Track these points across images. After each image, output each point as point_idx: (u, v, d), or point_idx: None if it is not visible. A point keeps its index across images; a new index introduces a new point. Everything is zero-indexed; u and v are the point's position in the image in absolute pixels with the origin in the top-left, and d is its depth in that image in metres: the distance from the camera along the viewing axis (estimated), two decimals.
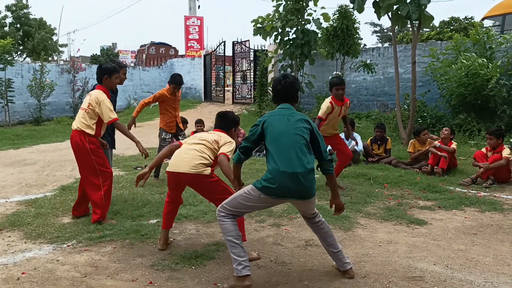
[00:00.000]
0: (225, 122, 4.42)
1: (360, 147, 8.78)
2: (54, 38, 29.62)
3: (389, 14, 9.63)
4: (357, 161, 8.64)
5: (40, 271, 3.78)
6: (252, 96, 19.68)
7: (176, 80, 7.21)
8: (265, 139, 3.56)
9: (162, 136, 7.33)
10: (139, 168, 8.01)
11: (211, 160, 4.09)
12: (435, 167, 7.56)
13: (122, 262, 3.99)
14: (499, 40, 10.54)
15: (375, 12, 9.67)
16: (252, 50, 19.58)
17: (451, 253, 4.22)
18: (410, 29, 10.20)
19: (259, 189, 3.42)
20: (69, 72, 18.98)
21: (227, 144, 4.13)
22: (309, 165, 3.44)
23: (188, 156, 4.07)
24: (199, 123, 9.39)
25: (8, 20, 28.04)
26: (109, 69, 5.12)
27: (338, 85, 6.49)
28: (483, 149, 7.49)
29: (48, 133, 14.31)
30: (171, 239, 4.47)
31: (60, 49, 31.51)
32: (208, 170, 4.03)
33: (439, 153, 7.61)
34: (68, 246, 4.34)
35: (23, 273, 3.72)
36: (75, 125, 4.99)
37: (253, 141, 3.64)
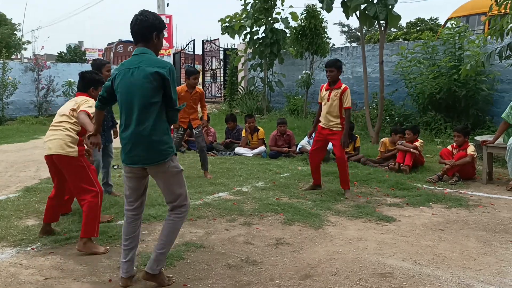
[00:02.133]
0: (84, 82, 4.50)
1: (329, 145, 8.85)
2: (18, 34, 28.79)
3: (357, 13, 9.73)
4: (326, 159, 8.70)
5: (2, 275, 3.64)
6: (222, 95, 19.60)
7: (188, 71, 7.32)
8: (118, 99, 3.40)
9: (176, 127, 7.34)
10: (115, 167, 7.77)
11: (76, 136, 4.21)
12: (402, 164, 7.67)
13: (88, 264, 3.88)
14: (472, 39, 10.74)
15: (343, 11, 9.76)
16: (222, 49, 19.51)
17: (419, 249, 4.29)
18: (378, 29, 10.33)
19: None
20: (33, 70, 18.45)
21: (83, 103, 4.23)
22: (147, 128, 3.21)
23: (54, 137, 4.21)
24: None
25: None
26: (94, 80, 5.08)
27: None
28: (449, 147, 7.65)
29: (11, 132, 13.87)
30: (56, 230, 4.62)
31: (24, 46, 30.65)
32: (75, 151, 4.15)
33: (408, 148, 7.70)
34: (32, 249, 4.20)
35: None
36: None
37: (106, 92, 3.48)
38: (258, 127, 9.78)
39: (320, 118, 6.37)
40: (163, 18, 21.28)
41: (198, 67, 23.22)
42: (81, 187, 4.18)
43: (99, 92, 4.26)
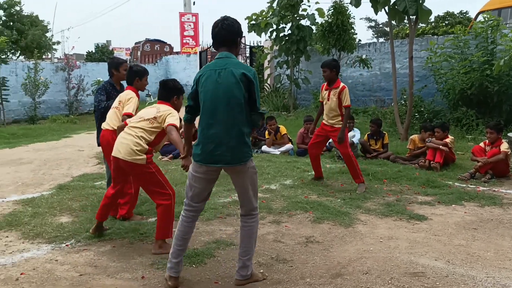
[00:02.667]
0: (166, 91, 4.33)
1: (356, 139, 8.81)
2: (48, 35, 29.40)
3: (386, 9, 9.60)
4: (355, 155, 8.62)
5: (39, 271, 3.74)
6: None
7: None
8: (200, 99, 3.35)
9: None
10: None
11: (146, 146, 4.09)
12: (432, 162, 7.54)
13: (121, 261, 3.95)
14: (505, 33, 10.46)
15: (372, 7, 9.63)
16: (248, 47, 19.51)
17: (452, 248, 4.21)
18: (407, 24, 10.16)
19: (193, 159, 3.39)
20: (64, 70, 18.85)
21: (169, 116, 4.09)
22: (233, 129, 3.22)
23: (125, 141, 4.13)
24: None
25: (2, 18, 27.85)
26: (139, 71, 5.09)
27: None
28: (481, 144, 7.48)
29: (43, 131, 14.21)
30: (106, 227, 4.63)
31: (54, 46, 31.31)
32: (143, 159, 4.06)
33: (437, 145, 7.56)
34: (66, 245, 4.30)
35: (22, 274, 3.68)
36: (106, 124, 4.95)
37: (193, 99, 3.42)
38: (278, 125, 9.77)
39: (323, 116, 6.53)
40: (189, 16, 21.43)
41: None
42: (153, 191, 4.16)
43: (181, 101, 4.37)
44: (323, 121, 6.52)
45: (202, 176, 3.36)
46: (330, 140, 9.04)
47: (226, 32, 3.33)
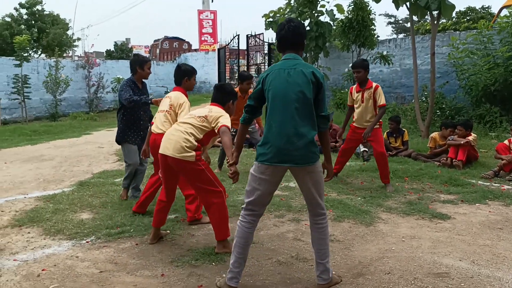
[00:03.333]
0: (222, 95, 4.22)
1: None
2: (69, 33, 29.77)
3: (407, 4, 9.44)
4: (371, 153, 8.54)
5: (60, 267, 3.76)
6: None
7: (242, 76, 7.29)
8: (267, 98, 3.28)
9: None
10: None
11: (195, 143, 3.95)
12: (454, 160, 7.40)
13: (141, 258, 3.95)
14: None
15: (393, 2, 9.48)
16: (266, 43, 19.45)
17: (477, 248, 4.11)
18: (428, 19, 9.98)
19: (256, 159, 3.26)
20: (84, 67, 19.06)
21: (222, 117, 3.95)
22: (303, 128, 3.13)
23: (173, 138, 3.98)
24: None
25: (24, 17, 28.28)
26: (188, 71, 4.96)
27: (247, 78, 6.98)
28: (506, 141, 7.32)
29: (64, 128, 14.40)
30: (167, 232, 4.54)
31: (75, 44, 31.69)
32: (192, 156, 3.90)
33: (458, 142, 7.42)
34: (87, 242, 4.32)
35: (43, 270, 3.70)
36: (157, 128, 4.76)
37: (255, 99, 3.37)
38: None
39: (355, 119, 6.35)
40: (208, 13, 21.48)
41: (243, 62, 23.32)
42: (204, 189, 4.01)
43: (235, 107, 4.32)
44: (355, 125, 6.32)
45: (267, 178, 3.22)
46: None
47: (293, 34, 3.29)
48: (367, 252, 4.05)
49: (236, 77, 22.94)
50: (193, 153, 3.93)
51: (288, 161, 3.15)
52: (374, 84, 6.14)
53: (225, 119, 3.93)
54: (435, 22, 9.73)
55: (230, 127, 3.87)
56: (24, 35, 16.46)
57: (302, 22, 3.36)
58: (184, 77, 4.91)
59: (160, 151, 4.07)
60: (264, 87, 3.28)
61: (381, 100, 6.07)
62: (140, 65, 5.48)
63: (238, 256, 3.27)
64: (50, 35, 26.93)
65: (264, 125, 3.32)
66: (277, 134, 3.15)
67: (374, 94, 6.08)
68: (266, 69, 19.52)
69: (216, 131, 3.94)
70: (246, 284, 3.43)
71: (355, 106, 6.30)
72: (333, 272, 3.47)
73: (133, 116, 5.55)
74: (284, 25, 3.31)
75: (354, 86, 6.34)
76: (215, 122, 3.94)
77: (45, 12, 28.38)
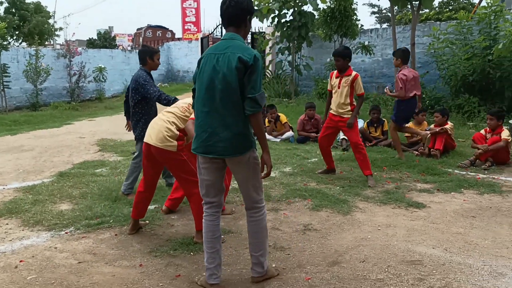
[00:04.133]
0: None
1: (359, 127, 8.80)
2: (51, 22, 29.23)
3: None
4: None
5: (38, 258, 3.77)
6: None
7: None
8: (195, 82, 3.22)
9: None
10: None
11: (176, 132, 3.97)
12: (432, 149, 7.52)
13: (120, 248, 3.98)
14: (508, 18, 10.37)
15: None
16: (250, 33, 19.39)
17: (450, 236, 4.22)
18: (410, 9, 10.06)
19: (192, 149, 3.25)
20: (65, 56, 18.80)
21: None
22: (228, 118, 3.04)
23: (156, 127, 4.03)
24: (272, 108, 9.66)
25: (4, 5, 27.71)
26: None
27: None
28: (482, 131, 7.45)
29: (45, 118, 14.22)
30: (146, 222, 4.57)
31: (57, 33, 31.16)
32: (174, 145, 3.93)
33: (437, 129, 7.57)
34: (66, 233, 4.33)
35: (21, 261, 3.71)
36: None
37: (195, 83, 3.27)
38: (279, 114, 9.73)
39: (331, 106, 6.34)
40: (191, 2, 21.16)
41: None
42: (185, 179, 4.04)
43: None
44: (331, 112, 6.31)
45: (205, 166, 3.21)
46: None
47: (234, 9, 3.11)
48: (343, 240, 4.13)
49: None
50: (175, 142, 3.95)
51: (212, 152, 3.11)
52: (354, 73, 6.14)
53: None
54: (416, 12, 9.81)
55: None
56: (1, 23, 16.14)
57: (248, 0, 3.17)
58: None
59: (144, 140, 4.11)
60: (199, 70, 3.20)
61: (360, 89, 6.12)
62: (150, 55, 5.41)
63: (210, 251, 3.24)
64: (32, 22, 26.42)
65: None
66: (202, 125, 3.12)
67: (352, 82, 6.09)
68: None
69: None
70: (224, 274, 3.48)
71: (333, 91, 6.31)
72: (273, 266, 3.54)
73: (151, 111, 5.45)
74: (226, 0, 3.14)
75: (335, 72, 6.36)
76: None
77: (27, 0, 27.82)
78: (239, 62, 2.98)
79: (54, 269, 3.58)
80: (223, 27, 3.21)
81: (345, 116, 6.14)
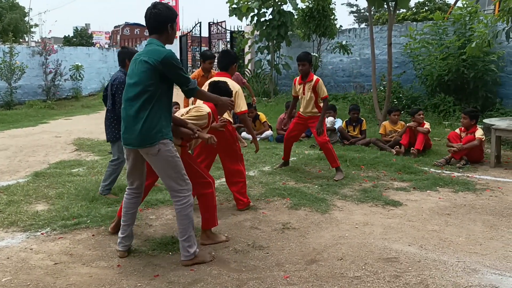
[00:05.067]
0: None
1: (337, 126, 8.88)
2: (26, 19, 28.72)
3: None
4: (334, 141, 8.74)
5: (13, 260, 3.71)
6: None
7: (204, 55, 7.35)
8: None
9: None
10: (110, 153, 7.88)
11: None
12: (412, 148, 7.64)
13: (97, 249, 3.94)
14: (481, 19, 10.58)
15: None
16: (229, 31, 19.39)
17: (426, 233, 4.30)
18: (387, 10, 10.18)
19: None
20: (41, 54, 18.45)
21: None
22: (141, 112, 3.39)
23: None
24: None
25: None
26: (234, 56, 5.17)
27: (209, 58, 7.11)
28: (457, 130, 7.60)
29: (20, 117, 13.94)
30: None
31: (32, 29, 30.64)
32: (177, 149, 3.88)
33: (420, 129, 7.70)
34: (42, 234, 4.26)
35: None
36: None
37: None
38: (258, 113, 9.75)
39: (300, 109, 6.59)
40: (169, 0, 20.85)
41: (205, 49, 23.15)
42: (193, 182, 3.96)
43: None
44: (300, 112, 6.54)
45: (127, 155, 3.63)
46: None
47: (154, 20, 3.49)
48: (322, 239, 4.17)
49: (198, 64, 22.79)
50: (178, 147, 3.89)
51: (129, 144, 3.50)
52: (315, 78, 6.34)
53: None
54: (392, 12, 9.93)
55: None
56: None
57: (169, 7, 3.59)
58: (234, 62, 5.15)
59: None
60: None
61: (323, 93, 6.30)
62: (129, 57, 5.29)
63: (123, 224, 3.76)
64: (6, 19, 25.89)
65: None
66: (122, 119, 3.53)
67: (315, 87, 6.28)
68: None
69: None
70: (203, 273, 3.48)
71: (299, 97, 6.55)
72: (209, 252, 3.80)
73: None
74: (148, 10, 3.51)
75: (298, 78, 6.56)
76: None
77: None
78: (147, 64, 3.38)
79: (29, 271, 3.52)
80: (180, 29, 3.55)
81: (314, 115, 6.37)
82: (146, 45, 3.53)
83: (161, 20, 3.48)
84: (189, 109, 4.05)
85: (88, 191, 5.50)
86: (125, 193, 3.76)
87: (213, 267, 3.59)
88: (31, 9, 28.45)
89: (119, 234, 3.76)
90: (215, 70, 7.43)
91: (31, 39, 32.41)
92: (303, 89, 6.37)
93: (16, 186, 5.86)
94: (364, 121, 9.02)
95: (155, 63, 3.35)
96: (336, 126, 8.93)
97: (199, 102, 4.35)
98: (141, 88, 3.38)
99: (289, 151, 6.86)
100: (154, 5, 3.49)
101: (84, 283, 3.33)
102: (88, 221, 4.53)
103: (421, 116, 8.10)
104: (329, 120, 8.77)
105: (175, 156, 3.49)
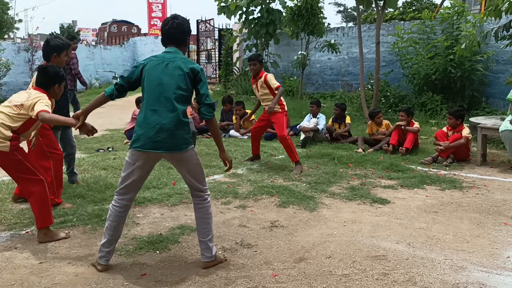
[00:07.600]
0: (45, 79, 4.10)
1: (322, 125, 8.89)
2: (10, 13, 28.26)
3: None
4: (320, 140, 8.77)
5: None
6: (217, 76, 19.48)
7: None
8: (142, 86, 3.46)
9: None
10: (101, 151, 7.83)
11: (9, 134, 3.80)
12: (400, 148, 7.67)
13: (83, 248, 3.89)
14: (469, 18, 10.67)
15: None
16: (217, 29, 19.31)
17: (413, 231, 4.31)
18: (375, 9, 10.22)
19: (131, 147, 3.41)
20: (27, 50, 18.24)
21: (38, 103, 3.79)
22: (176, 116, 3.32)
23: None
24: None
25: None
26: (58, 46, 4.79)
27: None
28: (444, 128, 7.66)
29: None
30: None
31: (16, 25, 30.19)
32: (6, 146, 3.79)
33: (409, 128, 7.74)
34: (27, 232, 4.20)
35: None
36: None
37: (128, 82, 3.49)
38: (246, 111, 9.73)
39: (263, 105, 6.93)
40: None
41: (193, 47, 23.05)
42: (23, 178, 3.96)
43: (62, 88, 4.25)
44: (265, 108, 6.84)
45: (140, 164, 3.38)
46: (299, 125, 9.16)
47: (176, 30, 3.50)
48: (310, 237, 4.16)
49: None
50: (7, 143, 3.80)
51: (161, 147, 3.32)
52: (264, 74, 6.65)
53: (41, 104, 3.79)
54: (381, 12, 9.97)
55: (49, 110, 3.78)
56: None
57: (187, 19, 3.62)
58: (53, 53, 4.77)
59: None
60: (142, 74, 3.44)
61: (274, 84, 6.58)
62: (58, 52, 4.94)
63: (110, 238, 3.46)
64: None
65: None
66: (151, 122, 3.32)
67: (265, 82, 6.60)
68: (216, 55, 19.44)
69: (34, 118, 3.80)
70: (190, 272, 3.45)
71: (258, 96, 6.90)
72: (219, 252, 3.70)
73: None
74: (168, 21, 3.51)
75: (251, 79, 6.99)
76: (32, 109, 3.80)
77: None
78: (191, 71, 3.39)
79: (14, 270, 3.47)
80: (164, 44, 3.59)
81: (276, 110, 6.62)
82: (169, 52, 3.49)
83: (183, 31, 3.53)
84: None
85: (74, 188, 5.43)
86: (115, 204, 3.46)
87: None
88: (15, 3, 27.93)
89: (104, 248, 3.47)
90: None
91: (16, 36, 31.97)
92: (256, 87, 6.75)
93: (1, 184, 5.77)
94: (348, 116, 9.18)
95: (198, 69, 3.41)
96: (321, 122, 8.92)
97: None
98: (182, 93, 3.37)
99: (257, 145, 7.23)
100: (175, 16, 3.55)
101: (69, 283, 3.28)
102: (74, 220, 4.47)
103: (381, 118, 8.38)
104: (312, 120, 8.82)
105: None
